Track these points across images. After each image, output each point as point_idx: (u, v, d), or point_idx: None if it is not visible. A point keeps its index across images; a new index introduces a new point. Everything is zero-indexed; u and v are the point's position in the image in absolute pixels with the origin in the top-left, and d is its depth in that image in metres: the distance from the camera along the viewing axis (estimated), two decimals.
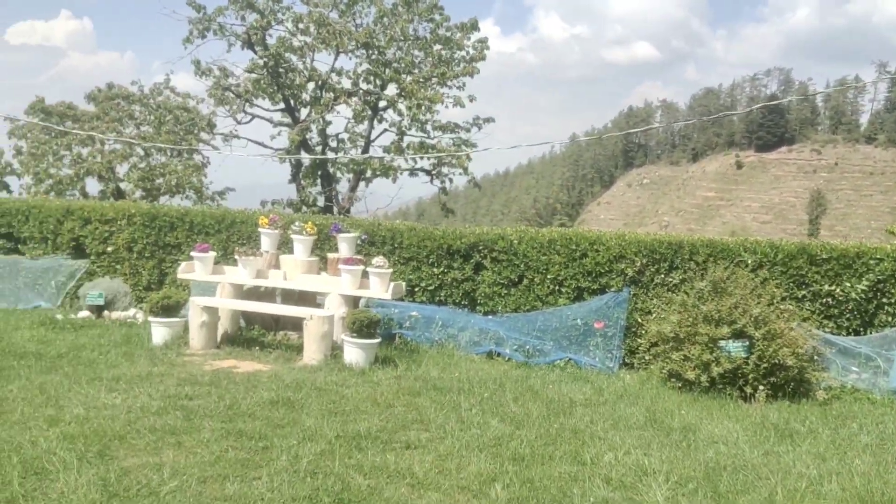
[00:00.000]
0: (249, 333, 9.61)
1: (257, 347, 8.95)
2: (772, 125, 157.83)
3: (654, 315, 9.12)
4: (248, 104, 17.44)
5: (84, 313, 10.58)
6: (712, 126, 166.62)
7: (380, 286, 8.87)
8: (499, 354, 9.46)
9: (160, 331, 9.02)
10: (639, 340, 9.25)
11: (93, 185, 20.40)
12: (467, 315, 9.99)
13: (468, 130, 17.63)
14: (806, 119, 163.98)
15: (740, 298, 7.86)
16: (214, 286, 9.74)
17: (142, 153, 20.58)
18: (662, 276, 9.24)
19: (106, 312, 10.68)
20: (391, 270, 9.02)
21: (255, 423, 6.05)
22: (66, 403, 6.39)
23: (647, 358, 9.11)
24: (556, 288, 9.66)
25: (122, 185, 20.00)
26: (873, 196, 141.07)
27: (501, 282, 9.90)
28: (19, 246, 12.57)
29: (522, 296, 9.80)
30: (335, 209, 16.63)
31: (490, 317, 9.92)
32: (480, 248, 10.01)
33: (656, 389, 7.95)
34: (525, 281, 9.81)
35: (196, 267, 9.63)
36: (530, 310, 9.76)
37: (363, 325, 8.24)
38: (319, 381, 7.52)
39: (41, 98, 19.62)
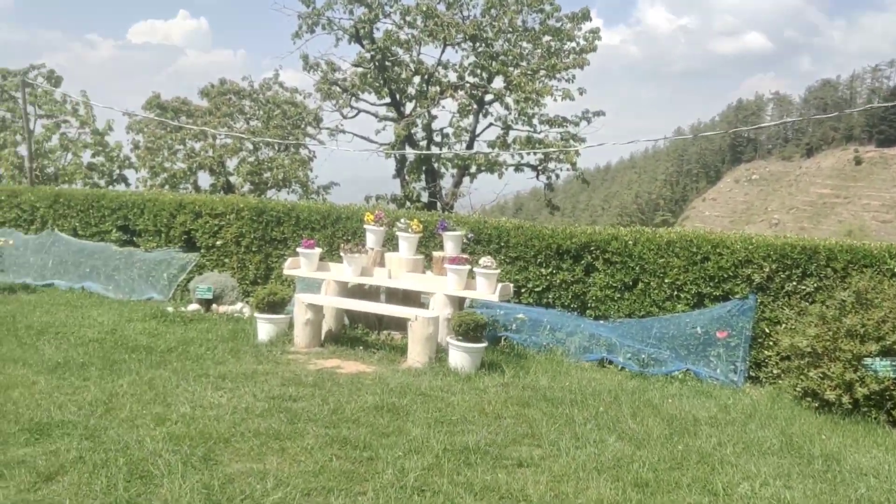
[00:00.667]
0: (353, 332, 9.45)
1: (361, 347, 8.77)
2: (895, 118, 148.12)
3: (783, 325, 8.38)
4: (354, 98, 17.41)
5: (193, 306, 10.72)
6: (829, 120, 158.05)
7: (487, 287, 8.51)
8: (610, 362, 8.95)
9: (265, 327, 8.97)
10: (765, 352, 8.53)
11: (204, 179, 20.97)
12: (576, 319, 9.50)
13: (577, 124, 16.99)
14: None
15: (889, 311, 7.05)
16: (319, 282, 9.64)
17: (251, 147, 20.99)
18: (794, 283, 8.47)
19: (214, 306, 10.78)
20: (499, 271, 8.64)
21: (359, 431, 5.81)
22: (173, 401, 6.35)
23: (774, 372, 8.38)
24: (675, 293, 9.04)
25: (232, 179, 20.45)
26: None
27: (614, 285, 9.35)
28: (134, 238, 12.91)
29: (637, 300, 9.23)
30: (439, 205, 16.39)
31: (601, 322, 9.40)
32: (592, 248, 9.50)
33: (790, 409, 7.25)
34: (640, 285, 9.23)
35: (301, 263, 9.55)
36: (645, 315, 9.17)
37: (469, 329, 7.90)
38: (424, 386, 7.24)
39: (157, 94, 20.30)
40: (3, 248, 12.10)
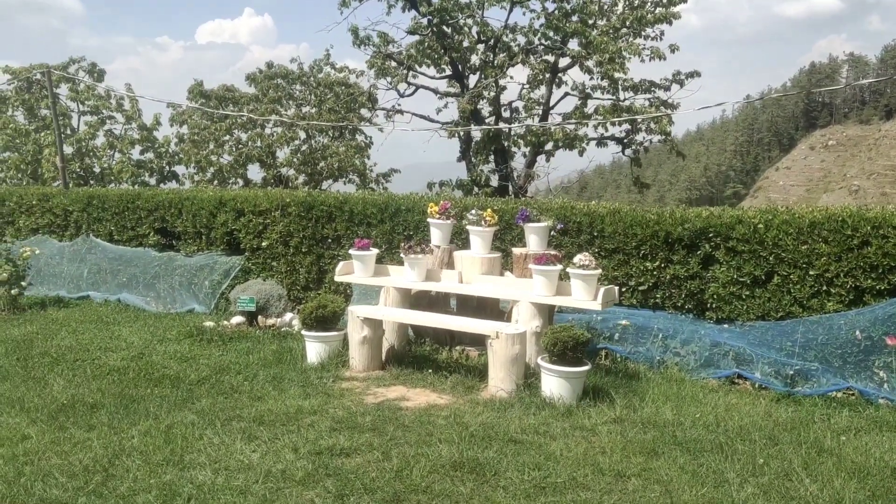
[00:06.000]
0: (420, 349, 7.84)
1: (430, 370, 7.14)
2: None
3: None
4: (410, 73, 15.66)
5: (237, 319, 9.30)
6: None
7: (585, 292, 6.76)
8: (739, 376, 7.12)
9: (315, 347, 7.46)
10: None
11: (255, 172, 19.63)
12: (693, 323, 7.68)
13: (667, 88, 14.88)
14: None
15: None
16: (378, 288, 8.07)
17: (303, 136, 19.55)
18: None
19: (260, 318, 9.34)
20: (599, 271, 6.89)
21: None
22: (191, 461, 4.87)
23: None
24: (823, 288, 7.12)
25: (284, 171, 19.05)
26: None
27: (741, 280, 7.48)
28: (174, 242, 11.59)
29: (773, 298, 7.34)
30: (510, 188, 14.57)
31: (726, 326, 7.56)
32: (710, 235, 7.64)
33: None
34: (776, 279, 7.33)
35: (355, 267, 7.99)
36: (784, 317, 7.29)
37: (567, 348, 6.18)
38: (513, 427, 5.58)
39: (199, 82, 18.98)
40: (31, 258, 10.89)
